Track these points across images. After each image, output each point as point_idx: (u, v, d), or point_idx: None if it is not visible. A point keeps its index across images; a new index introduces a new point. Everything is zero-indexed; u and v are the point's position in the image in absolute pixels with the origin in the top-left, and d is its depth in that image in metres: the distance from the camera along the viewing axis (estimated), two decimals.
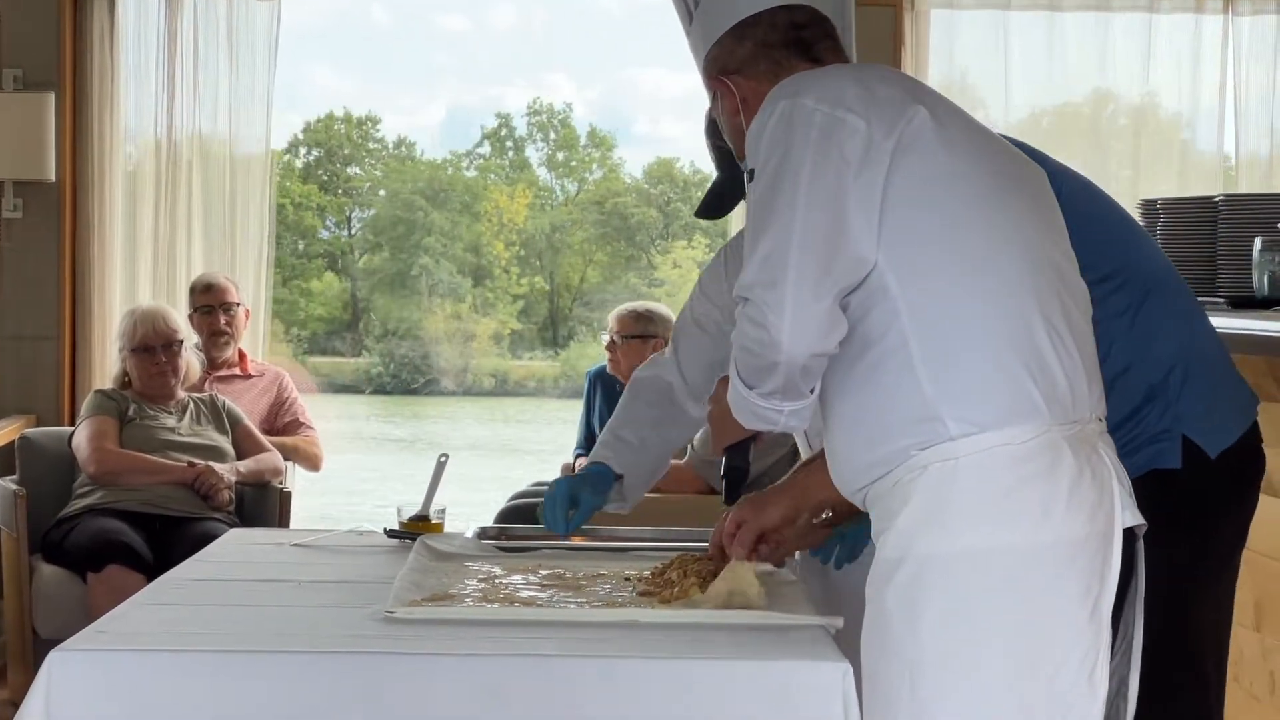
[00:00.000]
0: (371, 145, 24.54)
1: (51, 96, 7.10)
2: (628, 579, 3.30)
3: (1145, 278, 3.23)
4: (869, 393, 2.61)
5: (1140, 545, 2.72)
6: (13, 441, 6.59)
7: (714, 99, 2.97)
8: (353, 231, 24.53)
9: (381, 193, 24.45)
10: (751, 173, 2.65)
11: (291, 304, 23.11)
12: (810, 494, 3.12)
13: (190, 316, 6.86)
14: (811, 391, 2.61)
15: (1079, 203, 3.19)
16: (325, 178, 24.22)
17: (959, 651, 2.51)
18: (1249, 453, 3.22)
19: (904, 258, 2.57)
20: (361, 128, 24.29)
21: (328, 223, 24.16)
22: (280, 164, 22.96)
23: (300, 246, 23.59)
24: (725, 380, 2.97)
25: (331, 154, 24.19)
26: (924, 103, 2.65)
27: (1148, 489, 3.05)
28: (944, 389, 2.55)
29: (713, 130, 3.37)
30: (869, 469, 2.63)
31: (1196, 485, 3.15)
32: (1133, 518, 2.65)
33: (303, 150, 24.02)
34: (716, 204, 3.48)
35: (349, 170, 24.47)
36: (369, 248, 24.43)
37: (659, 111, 29.29)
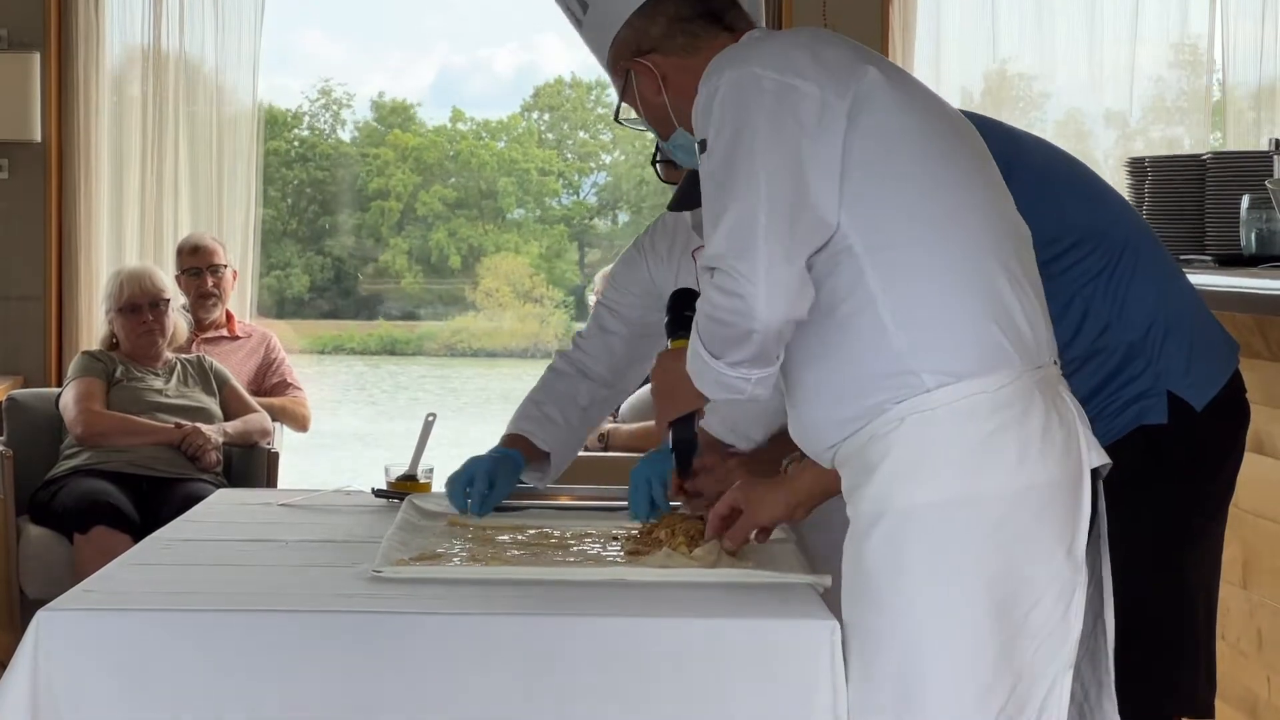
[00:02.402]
0: (601, 110, 24.39)
1: (37, 56, 7.08)
2: (615, 538, 3.30)
3: (1115, 238, 3.24)
4: (838, 352, 2.63)
5: (1100, 485, 2.75)
6: None
7: (625, 85, 2.93)
8: (583, 196, 24.40)
9: (607, 158, 24.26)
10: (704, 143, 2.64)
11: (550, 269, 23.00)
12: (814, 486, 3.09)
13: (177, 278, 6.84)
14: (777, 358, 2.62)
15: (1041, 169, 3.20)
16: (555, 142, 24.04)
17: (942, 600, 2.55)
18: (1234, 401, 3.24)
19: (866, 218, 2.59)
20: (592, 92, 24.14)
21: (564, 188, 24.01)
22: (519, 129, 22.86)
23: (538, 213, 23.46)
24: (666, 354, 2.95)
25: (563, 118, 24.01)
26: (873, 63, 2.68)
27: (1136, 446, 3.07)
28: (915, 343, 2.58)
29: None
30: (840, 426, 2.65)
31: (1185, 439, 3.16)
32: (1099, 457, 2.70)
33: (534, 115, 23.84)
34: (690, 198, 3.47)
35: (580, 135, 24.29)
36: (596, 212, 24.26)
37: None
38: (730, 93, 2.61)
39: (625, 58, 2.89)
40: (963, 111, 2.95)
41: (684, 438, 2.94)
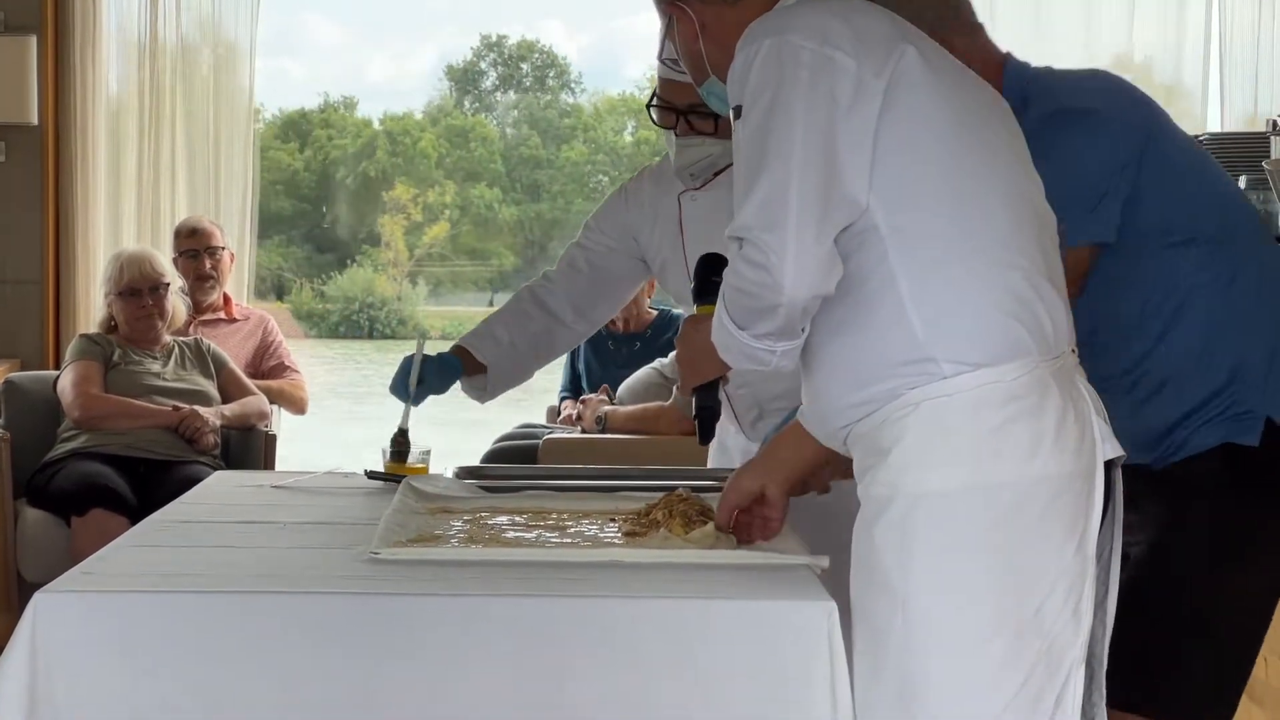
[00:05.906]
0: None
1: (34, 39, 7.07)
2: (613, 519, 3.30)
3: (1245, 242, 3.18)
4: (857, 333, 2.61)
5: (1118, 474, 2.73)
6: None
7: (668, 26, 2.93)
8: None
9: None
10: (738, 110, 2.63)
11: None
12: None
13: (174, 260, 6.84)
14: (802, 331, 2.61)
15: (1186, 156, 3.16)
16: None
17: (949, 587, 2.53)
18: None
19: (892, 200, 2.57)
20: None
21: None
22: None
23: None
24: (692, 320, 2.95)
25: None
26: (911, 41, 2.65)
27: (1221, 459, 3.04)
28: (934, 330, 2.56)
29: None
30: (854, 408, 2.63)
31: (1271, 465, 3.12)
32: (1113, 450, 2.67)
33: None
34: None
35: None
36: None
37: None
38: (768, 61, 2.58)
39: (668, 1, 2.88)
40: (1120, 82, 3.12)
41: (707, 405, 2.94)
